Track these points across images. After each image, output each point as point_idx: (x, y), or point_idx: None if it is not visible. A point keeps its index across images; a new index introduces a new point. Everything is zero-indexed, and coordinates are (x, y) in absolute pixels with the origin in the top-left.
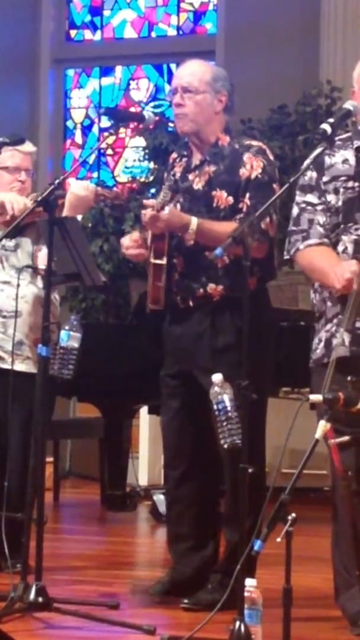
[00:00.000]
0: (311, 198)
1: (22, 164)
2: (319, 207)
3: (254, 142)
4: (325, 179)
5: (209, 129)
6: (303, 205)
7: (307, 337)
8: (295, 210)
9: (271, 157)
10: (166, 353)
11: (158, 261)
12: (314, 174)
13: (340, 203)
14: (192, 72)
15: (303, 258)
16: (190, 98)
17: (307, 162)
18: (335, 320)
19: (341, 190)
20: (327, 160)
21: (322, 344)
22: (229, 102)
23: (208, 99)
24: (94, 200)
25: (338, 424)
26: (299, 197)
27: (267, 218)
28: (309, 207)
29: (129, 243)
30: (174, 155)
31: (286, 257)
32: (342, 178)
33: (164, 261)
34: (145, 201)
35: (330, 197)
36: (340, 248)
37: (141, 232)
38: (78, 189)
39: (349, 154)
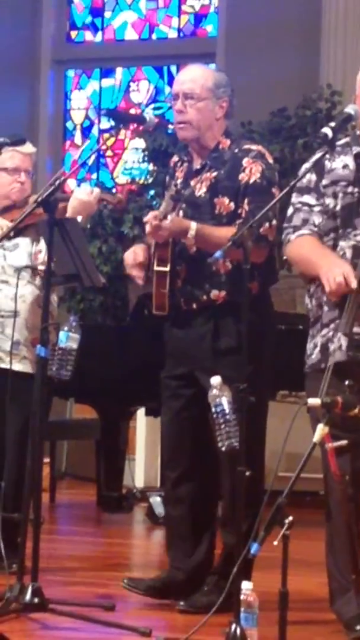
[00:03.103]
0: (308, 199)
1: (22, 164)
2: (316, 209)
3: (254, 146)
4: (324, 182)
5: (209, 134)
6: (298, 205)
7: (304, 341)
8: (290, 211)
9: (270, 161)
10: (167, 355)
11: (162, 268)
12: (313, 177)
13: (338, 208)
14: (194, 77)
15: (291, 250)
16: (191, 105)
17: (306, 165)
18: (332, 325)
19: (340, 195)
20: (328, 164)
21: (318, 349)
22: (229, 107)
23: (210, 105)
24: (96, 205)
25: (334, 428)
26: (295, 198)
27: (267, 223)
28: (305, 207)
29: (133, 263)
30: (175, 159)
31: (284, 257)
32: (342, 183)
33: (167, 268)
34: (145, 219)
35: (329, 201)
36: (339, 253)
37: (143, 241)
38: (81, 193)
39: (349, 160)
